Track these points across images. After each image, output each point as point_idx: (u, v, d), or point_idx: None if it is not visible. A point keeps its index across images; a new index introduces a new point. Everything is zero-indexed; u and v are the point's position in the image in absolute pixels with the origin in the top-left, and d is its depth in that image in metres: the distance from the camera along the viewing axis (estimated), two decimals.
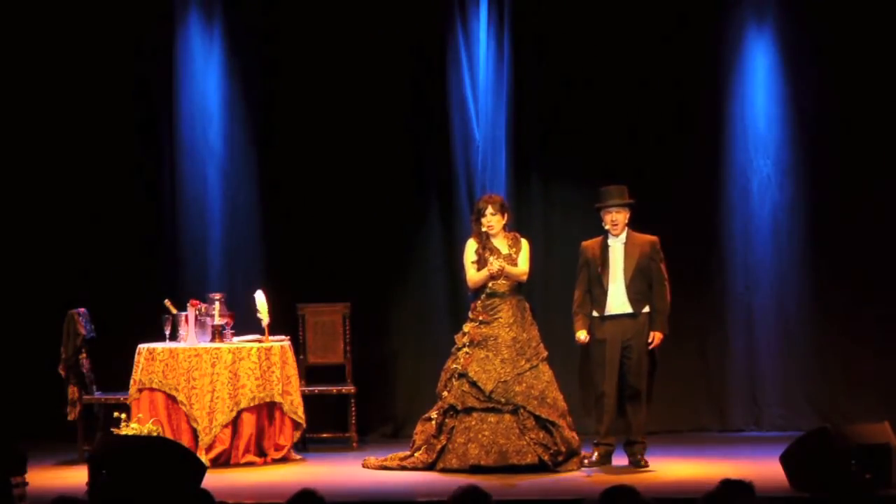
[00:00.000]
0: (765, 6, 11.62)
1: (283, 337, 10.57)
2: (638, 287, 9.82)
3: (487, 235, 9.98)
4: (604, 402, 9.81)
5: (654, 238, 9.96)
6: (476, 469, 9.54)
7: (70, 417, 10.58)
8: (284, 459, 10.31)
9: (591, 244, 10.00)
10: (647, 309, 9.84)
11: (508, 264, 9.91)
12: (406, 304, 11.75)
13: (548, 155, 11.70)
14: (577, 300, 9.98)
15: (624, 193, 9.93)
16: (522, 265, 9.98)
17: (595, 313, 9.88)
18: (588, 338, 9.89)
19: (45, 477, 9.69)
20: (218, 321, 10.35)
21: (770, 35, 11.64)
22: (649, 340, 9.80)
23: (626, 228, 9.92)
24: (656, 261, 9.89)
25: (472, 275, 9.99)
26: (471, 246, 10.06)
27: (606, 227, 9.92)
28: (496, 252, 9.96)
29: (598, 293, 9.87)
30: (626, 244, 9.89)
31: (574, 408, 10.51)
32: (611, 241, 9.91)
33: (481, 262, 9.95)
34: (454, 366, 9.90)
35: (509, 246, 10.01)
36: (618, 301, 9.83)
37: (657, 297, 9.85)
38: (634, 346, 9.79)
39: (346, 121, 11.67)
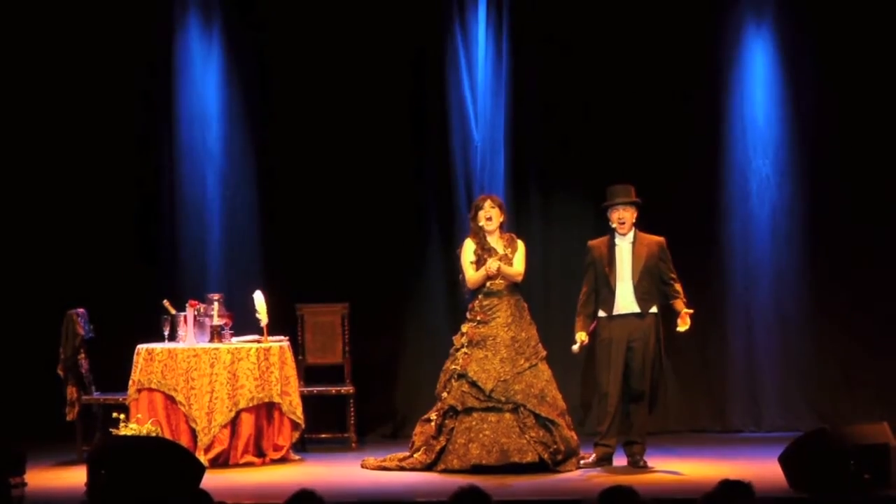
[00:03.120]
0: (763, 5, 11.62)
1: (281, 337, 10.57)
2: (646, 287, 9.82)
3: (485, 235, 9.98)
4: (606, 402, 9.82)
5: (661, 239, 9.96)
6: (477, 469, 9.54)
7: (69, 418, 10.58)
8: (283, 460, 10.31)
9: (597, 243, 10.00)
10: (654, 309, 9.85)
11: (506, 264, 9.91)
12: (405, 304, 11.75)
13: (546, 156, 11.71)
14: (581, 300, 9.99)
15: (630, 192, 9.93)
16: (518, 266, 9.97)
17: (602, 313, 9.88)
18: (584, 343, 9.88)
19: (44, 477, 9.69)
20: (216, 321, 10.35)
21: (768, 34, 11.64)
22: (685, 317, 9.73)
23: (634, 228, 9.92)
24: (665, 261, 9.88)
25: (471, 275, 9.99)
26: (468, 246, 10.05)
27: (613, 226, 9.91)
28: (493, 252, 9.96)
29: (605, 293, 9.86)
30: (635, 244, 9.88)
31: (574, 408, 10.53)
32: (618, 240, 9.91)
33: (480, 263, 9.95)
34: (453, 366, 9.90)
35: (505, 246, 10.01)
36: (626, 301, 9.83)
37: (672, 288, 9.83)
38: (639, 347, 9.79)
39: (344, 122, 11.68)
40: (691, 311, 9.79)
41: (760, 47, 11.67)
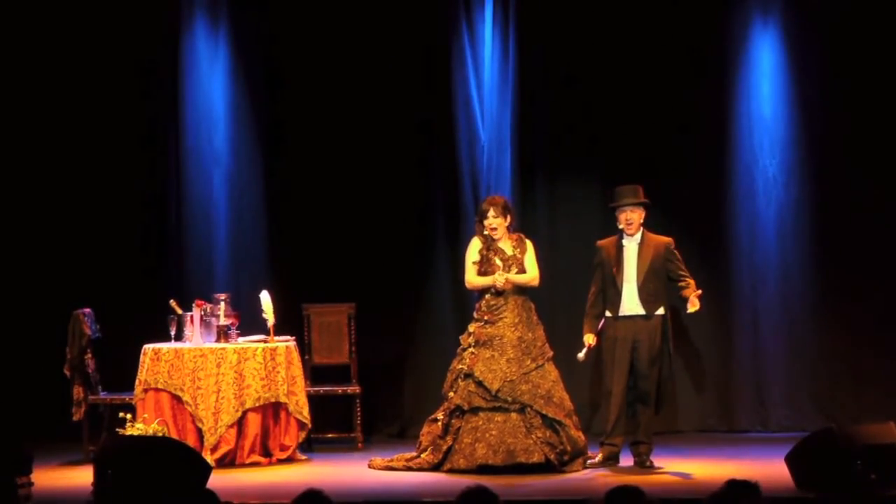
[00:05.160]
0: (770, 2, 11.58)
1: (288, 337, 10.57)
2: (651, 289, 9.80)
3: (491, 237, 9.97)
4: (611, 401, 9.82)
5: (668, 239, 9.95)
6: (484, 469, 9.54)
7: (75, 418, 10.58)
8: (290, 460, 10.31)
9: (606, 244, 9.99)
10: (660, 311, 9.83)
11: (514, 266, 9.90)
12: (411, 304, 11.74)
13: (553, 155, 11.70)
14: (590, 300, 9.98)
15: (638, 193, 9.92)
16: (532, 270, 9.95)
17: (609, 313, 9.88)
18: (591, 346, 9.89)
19: (51, 477, 9.71)
20: (223, 321, 10.35)
21: (775, 31, 11.61)
22: (693, 299, 9.71)
23: (642, 229, 9.91)
24: (673, 261, 9.87)
25: (471, 277, 10.00)
26: (474, 245, 10.05)
27: (621, 227, 9.90)
28: (500, 253, 9.95)
29: (611, 293, 9.86)
30: (641, 245, 9.87)
31: (582, 408, 10.53)
32: (625, 241, 9.90)
33: (483, 263, 9.94)
34: (460, 366, 9.90)
35: (514, 247, 10.00)
36: (631, 302, 9.83)
37: (684, 282, 9.81)
38: (644, 348, 9.78)
39: (351, 122, 11.68)
40: (699, 291, 9.76)
41: (767, 45, 11.64)
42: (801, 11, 11.57)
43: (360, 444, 10.94)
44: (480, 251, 9.99)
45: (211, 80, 11.79)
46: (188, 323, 10.36)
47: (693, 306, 9.75)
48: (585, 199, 11.58)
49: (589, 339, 9.90)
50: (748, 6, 11.62)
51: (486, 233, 9.96)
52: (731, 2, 11.63)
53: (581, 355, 9.89)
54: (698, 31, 11.55)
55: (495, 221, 9.95)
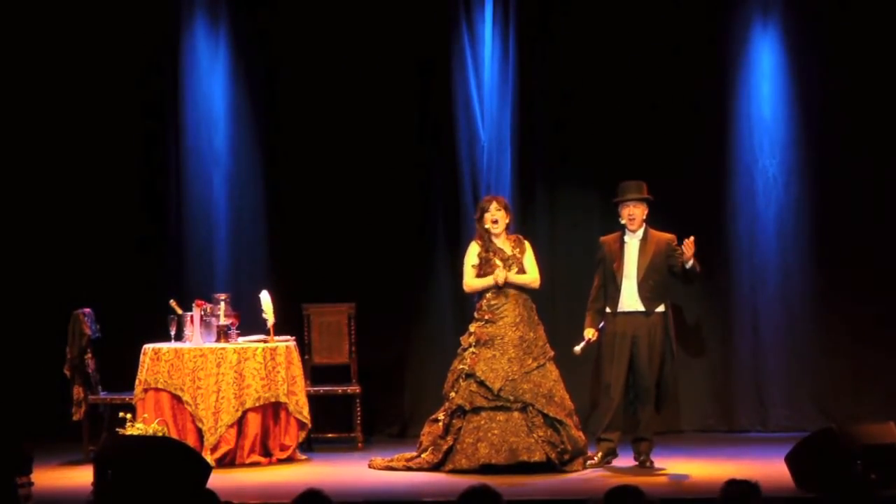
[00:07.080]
0: (770, 4, 11.58)
1: (288, 337, 10.57)
2: (650, 285, 9.80)
3: (490, 238, 9.97)
4: (609, 395, 9.83)
5: (670, 236, 9.95)
6: (486, 468, 9.54)
7: (75, 418, 10.59)
8: (290, 459, 10.31)
9: (608, 240, 10.00)
10: (661, 308, 9.83)
11: (514, 265, 9.90)
12: (411, 304, 11.73)
13: (553, 155, 11.70)
14: (592, 295, 10.00)
15: (642, 189, 9.93)
16: (532, 272, 9.95)
17: (608, 309, 9.89)
18: (591, 341, 9.90)
19: (51, 477, 9.71)
20: (223, 321, 10.35)
21: (775, 32, 11.61)
22: (689, 242, 9.69)
23: (645, 225, 9.91)
24: (673, 255, 9.87)
25: (470, 280, 10.00)
26: (473, 249, 10.05)
27: (623, 222, 9.91)
28: (500, 253, 9.95)
29: (611, 289, 9.87)
30: (643, 241, 9.88)
31: (583, 407, 10.53)
32: (627, 237, 9.91)
33: (483, 266, 9.94)
34: (461, 366, 9.90)
35: (513, 247, 10.00)
36: (630, 299, 9.83)
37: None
38: (644, 343, 9.78)
39: (351, 122, 11.67)
40: (692, 237, 9.74)
41: (767, 46, 11.64)
42: (801, 12, 11.57)
43: (360, 444, 10.94)
44: (479, 254, 9.99)
45: (211, 80, 11.79)
46: (188, 323, 10.36)
47: (689, 249, 9.68)
48: (585, 199, 11.58)
49: (589, 333, 9.91)
50: (748, 6, 11.61)
51: (487, 226, 9.96)
52: (731, 2, 11.63)
53: (578, 349, 9.89)
54: (698, 32, 11.55)
55: (497, 214, 9.95)
